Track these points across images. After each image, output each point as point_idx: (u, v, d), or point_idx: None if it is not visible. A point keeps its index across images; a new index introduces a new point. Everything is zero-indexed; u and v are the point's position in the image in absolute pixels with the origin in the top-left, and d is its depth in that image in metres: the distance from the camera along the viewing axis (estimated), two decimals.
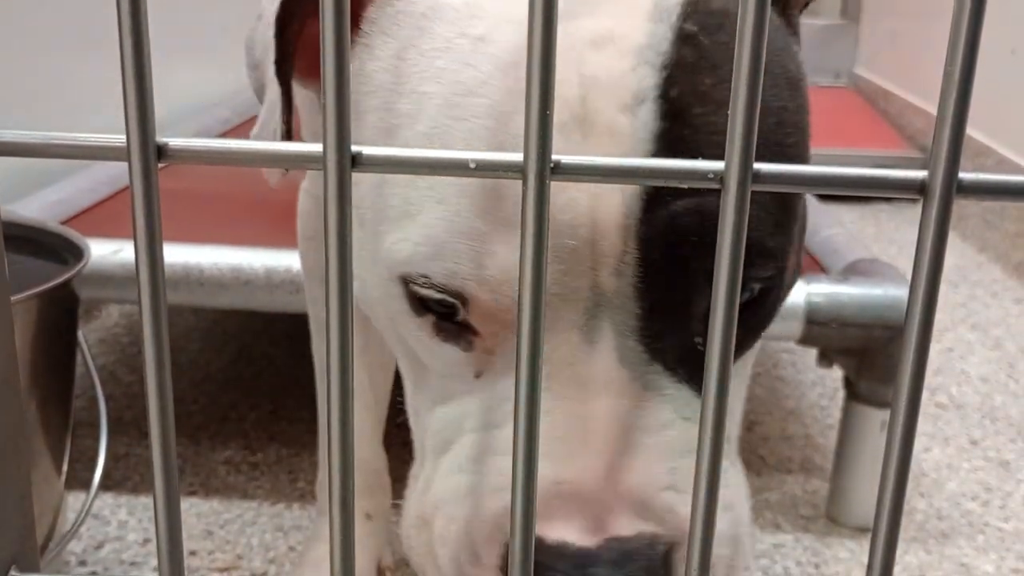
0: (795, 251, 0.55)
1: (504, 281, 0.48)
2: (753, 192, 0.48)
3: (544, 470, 0.47)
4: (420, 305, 0.51)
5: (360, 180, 0.54)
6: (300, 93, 0.62)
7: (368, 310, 0.58)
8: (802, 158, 0.52)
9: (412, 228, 0.50)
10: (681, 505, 0.48)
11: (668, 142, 0.46)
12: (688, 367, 0.51)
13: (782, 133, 0.51)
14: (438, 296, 0.50)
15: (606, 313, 0.48)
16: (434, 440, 0.56)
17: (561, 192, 0.46)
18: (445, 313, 0.51)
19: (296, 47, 0.61)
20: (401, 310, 0.53)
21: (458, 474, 0.52)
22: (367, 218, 0.53)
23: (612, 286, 0.48)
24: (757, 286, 0.51)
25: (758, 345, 0.58)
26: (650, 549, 0.47)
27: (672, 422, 0.50)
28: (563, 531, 0.47)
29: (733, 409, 0.57)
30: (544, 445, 0.48)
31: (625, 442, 0.49)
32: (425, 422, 0.57)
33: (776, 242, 0.50)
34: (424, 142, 0.49)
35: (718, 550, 0.50)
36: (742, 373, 0.57)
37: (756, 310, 0.53)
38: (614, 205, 0.46)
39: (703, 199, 0.47)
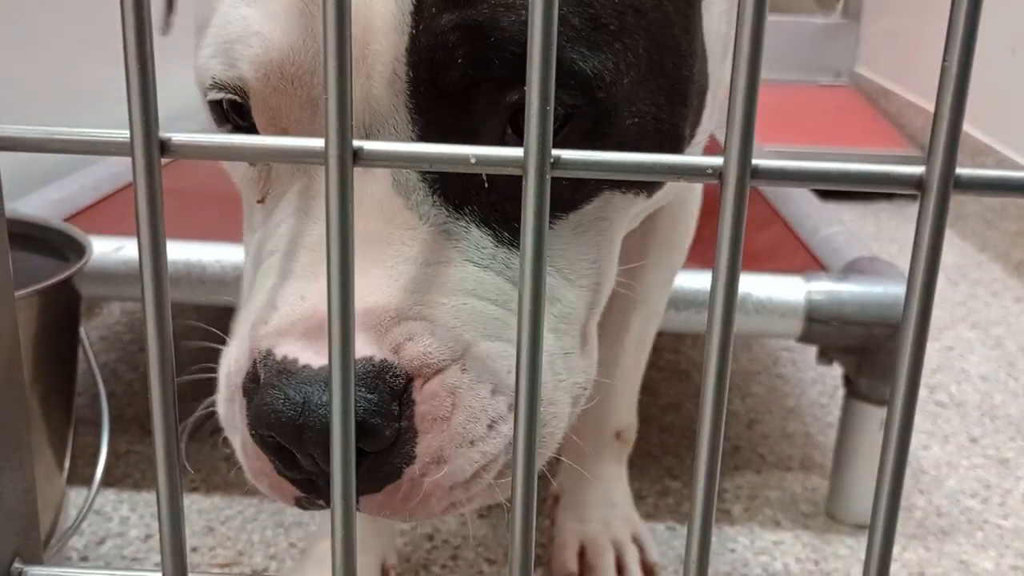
0: (647, 92, 0.48)
1: (275, 63, 0.45)
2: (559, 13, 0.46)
3: (290, 288, 0.46)
4: (220, 116, 0.50)
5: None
6: None
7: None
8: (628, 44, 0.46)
9: (207, 35, 0.49)
10: (427, 337, 0.44)
11: None
12: (478, 207, 0.47)
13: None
14: (223, 96, 0.49)
15: (380, 131, 0.45)
16: (247, 272, 0.55)
17: None
18: (240, 124, 0.49)
19: None
20: (211, 126, 0.52)
21: (246, 306, 0.51)
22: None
23: (385, 100, 0.45)
24: (561, 111, 0.45)
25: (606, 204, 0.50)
26: (377, 379, 0.43)
27: (450, 260, 0.46)
28: (290, 348, 0.44)
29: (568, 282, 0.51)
30: (296, 266, 0.46)
31: (385, 269, 0.45)
32: (246, 258, 0.57)
33: (588, 65, 0.45)
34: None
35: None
36: (586, 240, 0.51)
37: (567, 144, 0.46)
38: (387, 6, 0.44)
39: (474, 12, 0.43)
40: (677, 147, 0.50)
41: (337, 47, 0.28)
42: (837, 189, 0.28)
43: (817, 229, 1.19)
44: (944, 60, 0.27)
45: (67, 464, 0.85)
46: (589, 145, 0.47)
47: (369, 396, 0.42)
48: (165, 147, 0.29)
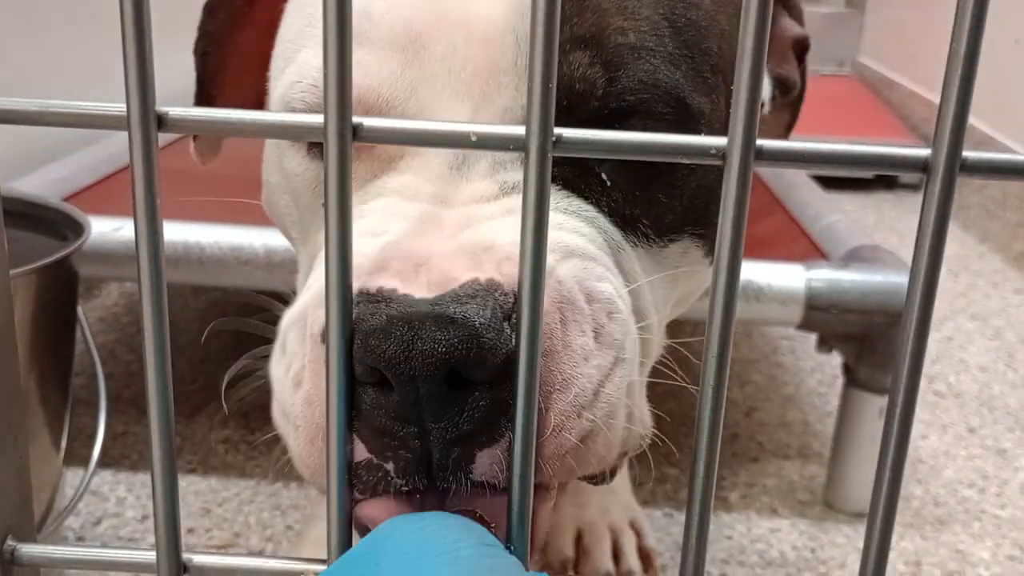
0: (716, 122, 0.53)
1: (372, 89, 0.48)
2: (671, 57, 0.49)
3: (381, 242, 0.44)
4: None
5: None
6: None
7: (271, 198, 0.60)
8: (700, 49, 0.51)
9: (291, 68, 0.52)
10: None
11: None
12: (587, 192, 0.50)
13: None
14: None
15: (507, 164, 0.48)
16: (306, 260, 0.56)
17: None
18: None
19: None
20: (286, 147, 0.54)
21: (309, 278, 0.49)
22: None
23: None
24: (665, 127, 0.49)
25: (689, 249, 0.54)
26: (487, 295, 0.40)
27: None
28: (386, 281, 0.41)
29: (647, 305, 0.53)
30: (388, 230, 0.46)
31: (474, 228, 0.45)
32: (303, 264, 0.58)
33: (695, 102, 0.50)
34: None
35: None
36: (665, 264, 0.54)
37: (656, 166, 0.50)
38: (509, 43, 0.47)
39: (604, 50, 0.48)
40: None
41: (337, 22, 0.28)
42: (842, 173, 0.28)
43: (819, 217, 1.18)
44: (952, 42, 0.27)
45: (64, 444, 0.85)
46: (677, 177, 0.51)
47: (483, 311, 0.39)
48: (162, 121, 0.28)
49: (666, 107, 0.49)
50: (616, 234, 0.51)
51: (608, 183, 0.50)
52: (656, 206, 0.52)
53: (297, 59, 0.52)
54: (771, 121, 0.71)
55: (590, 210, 0.50)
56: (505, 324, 0.39)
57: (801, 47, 0.67)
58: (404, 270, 0.42)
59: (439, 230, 0.45)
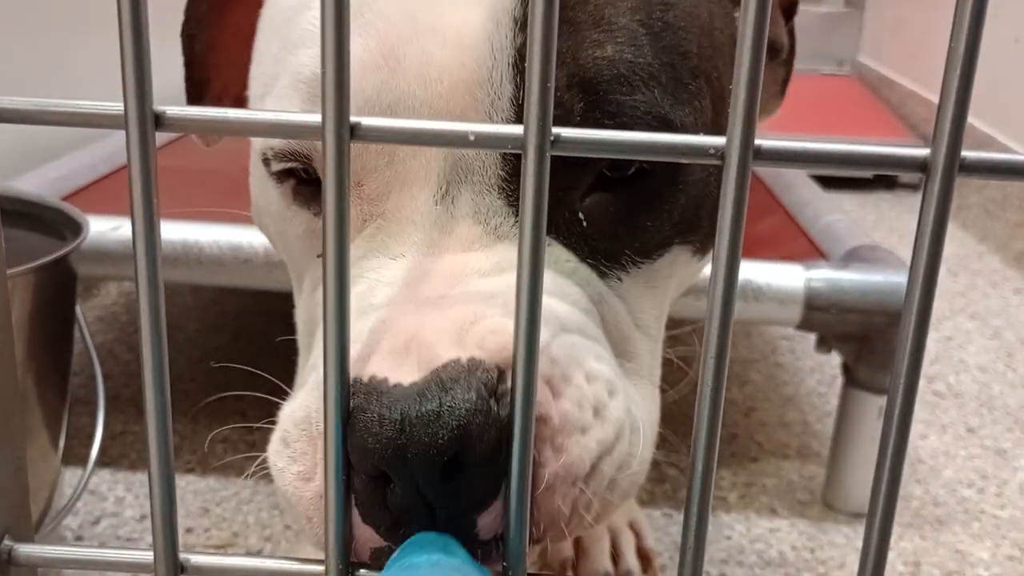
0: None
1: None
2: (650, 69, 0.48)
3: (370, 318, 0.44)
4: (282, 174, 0.52)
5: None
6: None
7: (260, 219, 0.59)
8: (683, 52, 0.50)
9: (269, 100, 0.51)
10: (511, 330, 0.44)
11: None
12: (566, 234, 0.49)
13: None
14: (284, 165, 0.50)
15: (463, 185, 0.47)
16: (301, 330, 0.56)
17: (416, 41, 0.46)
18: (304, 178, 0.51)
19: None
20: (270, 187, 0.53)
21: (308, 360, 0.49)
22: None
23: (473, 154, 0.46)
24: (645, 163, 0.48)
25: (684, 259, 0.53)
26: (470, 376, 0.40)
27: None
28: (377, 367, 0.41)
29: (645, 326, 0.53)
30: (375, 299, 0.45)
31: (462, 286, 0.45)
32: (297, 325, 0.57)
33: (676, 115, 0.48)
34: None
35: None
36: (656, 282, 0.53)
37: (642, 192, 0.49)
38: (481, 62, 0.46)
39: (582, 67, 0.46)
40: None
41: (335, 21, 0.27)
42: (841, 172, 0.28)
43: (818, 217, 1.18)
44: (951, 41, 0.27)
45: (62, 444, 0.85)
46: (664, 200, 0.50)
47: (467, 396, 0.39)
48: (159, 120, 0.28)
49: (647, 127, 0.47)
50: (596, 282, 0.49)
51: (585, 223, 0.49)
52: (642, 232, 0.51)
53: (275, 89, 0.51)
54: (765, 82, 0.70)
55: (572, 260, 0.49)
56: (491, 402, 0.40)
57: (790, 4, 0.65)
58: (394, 350, 0.42)
59: (427, 290, 0.45)
